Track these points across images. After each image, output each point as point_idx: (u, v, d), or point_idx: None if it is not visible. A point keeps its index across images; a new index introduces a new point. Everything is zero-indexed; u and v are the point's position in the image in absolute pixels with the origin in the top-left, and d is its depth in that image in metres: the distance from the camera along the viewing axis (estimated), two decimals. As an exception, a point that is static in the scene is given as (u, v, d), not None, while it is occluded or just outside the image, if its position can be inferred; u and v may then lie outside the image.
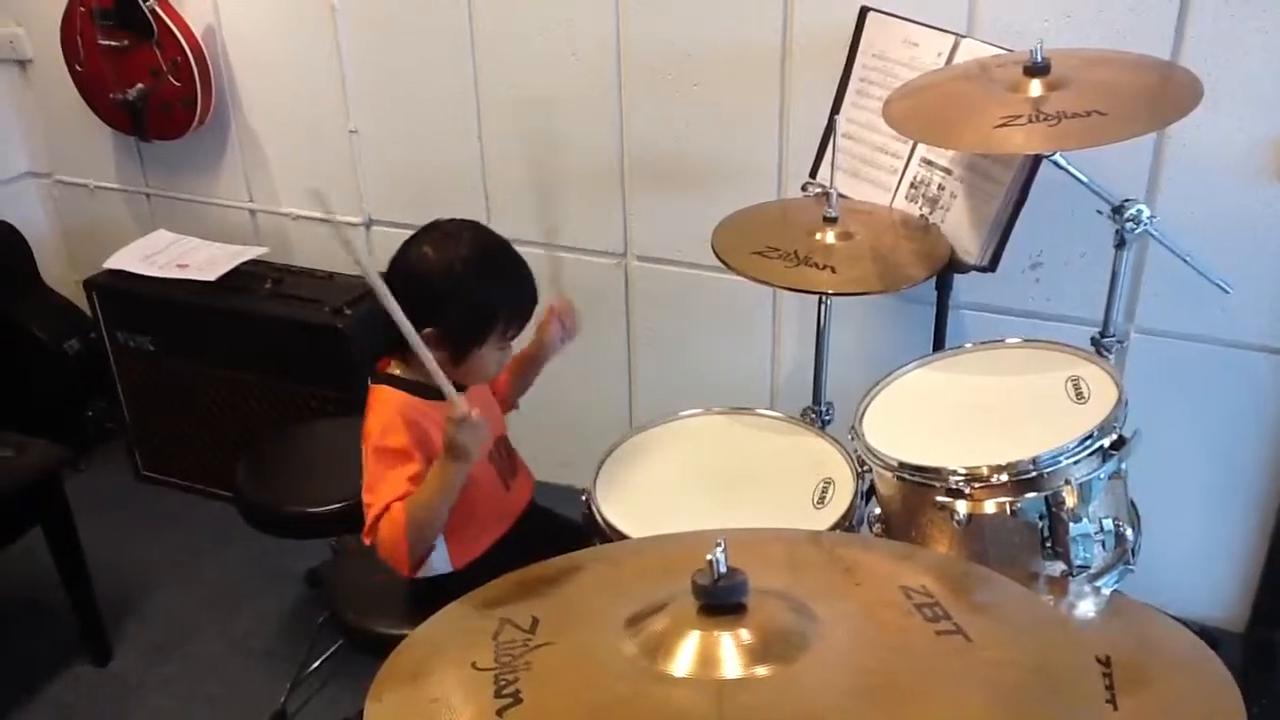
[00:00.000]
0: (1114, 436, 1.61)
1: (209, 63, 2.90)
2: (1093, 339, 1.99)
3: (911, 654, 0.97)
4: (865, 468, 1.76)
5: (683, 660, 0.95)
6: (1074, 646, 1.00)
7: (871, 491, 1.78)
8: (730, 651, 0.95)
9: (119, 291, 2.95)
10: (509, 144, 2.71)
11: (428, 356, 1.55)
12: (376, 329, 1.78)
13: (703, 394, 2.12)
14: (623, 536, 1.69)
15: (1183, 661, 1.33)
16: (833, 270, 1.90)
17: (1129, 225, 1.85)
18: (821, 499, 1.75)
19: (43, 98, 3.28)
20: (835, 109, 2.19)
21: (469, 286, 1.68)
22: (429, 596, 1.52)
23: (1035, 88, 1.77)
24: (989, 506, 1.58)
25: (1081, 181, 1.84)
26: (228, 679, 2.50)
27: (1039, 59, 1.77)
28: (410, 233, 1.76)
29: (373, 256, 2.96)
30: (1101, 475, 1.59)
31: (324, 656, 2.45)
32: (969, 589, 1.11)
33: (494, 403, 1.92)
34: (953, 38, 2.04)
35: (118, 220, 3.33)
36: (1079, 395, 1.71)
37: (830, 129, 2.14)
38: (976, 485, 1.58)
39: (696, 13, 2.39)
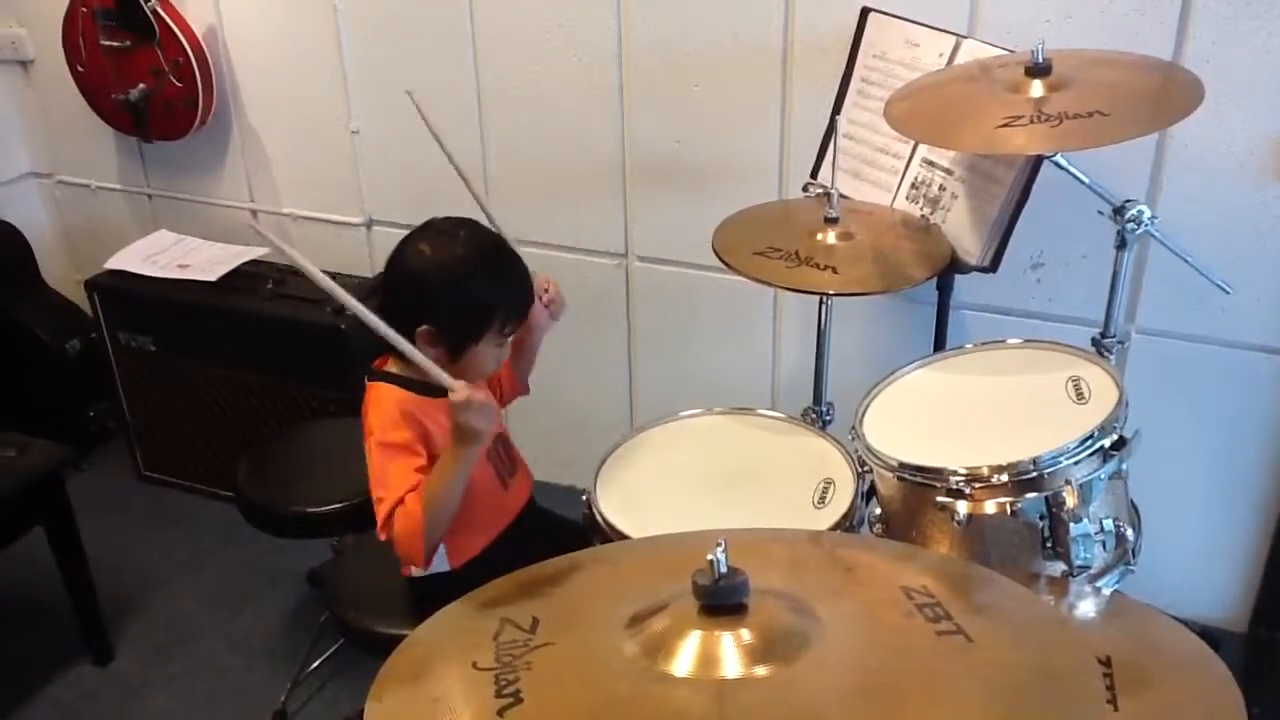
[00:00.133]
0: (1114, 437, 1.61)
1: (210, 63, 2.90)
2: (1093, 339, 1.99)
3: (912, 654, 0.97)
4: (866, 468, 1.76)
5: (683, 660, 0.95)
6: (1074, 647, 1.00)
7: (872, 492, 1.78)
8: (731, 651, 0.95)
9: (120, 292, 2.95)
10: (510, 144, 2.71)
11: (412, 352, 1.59)
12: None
13: (703, 394, 2.12)
14: (623, 536, 1.69)
15: (1183, 662, 1.33)
16: (834, 270, 1.91)
17: (1130, 226, 1.85)
18: (822, 499, 1.75)
19: (44, 98, 3.28)
20: (836, 109, 2.19)
21: (465, 284, 1.68)
22: (429, 596, 1.52)
23: (1036, 88, 1.77)
24: (989, 507, 1.58)
25: (1083, 182, 1.84)
26: (229, 679, 2.50)
27: (1040, 59, 1.77)
28: (410, 233, 1.76)
29: (373, 257, 2.98)
30: (1102, 475, 1.59)
31: (325, 656, 2.45)
32: (970, 589, 1.11)
33: (494, 400, 1.91)
34: (954, 38, 2.04)
35: (119, 220, 3.33)
36: (1079, 396, 1.71)
37: (831, 129, 2.14)
38: (977, 485, 1.58)
39: (698, 13, 2.39)
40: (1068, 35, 2.08)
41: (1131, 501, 1.75)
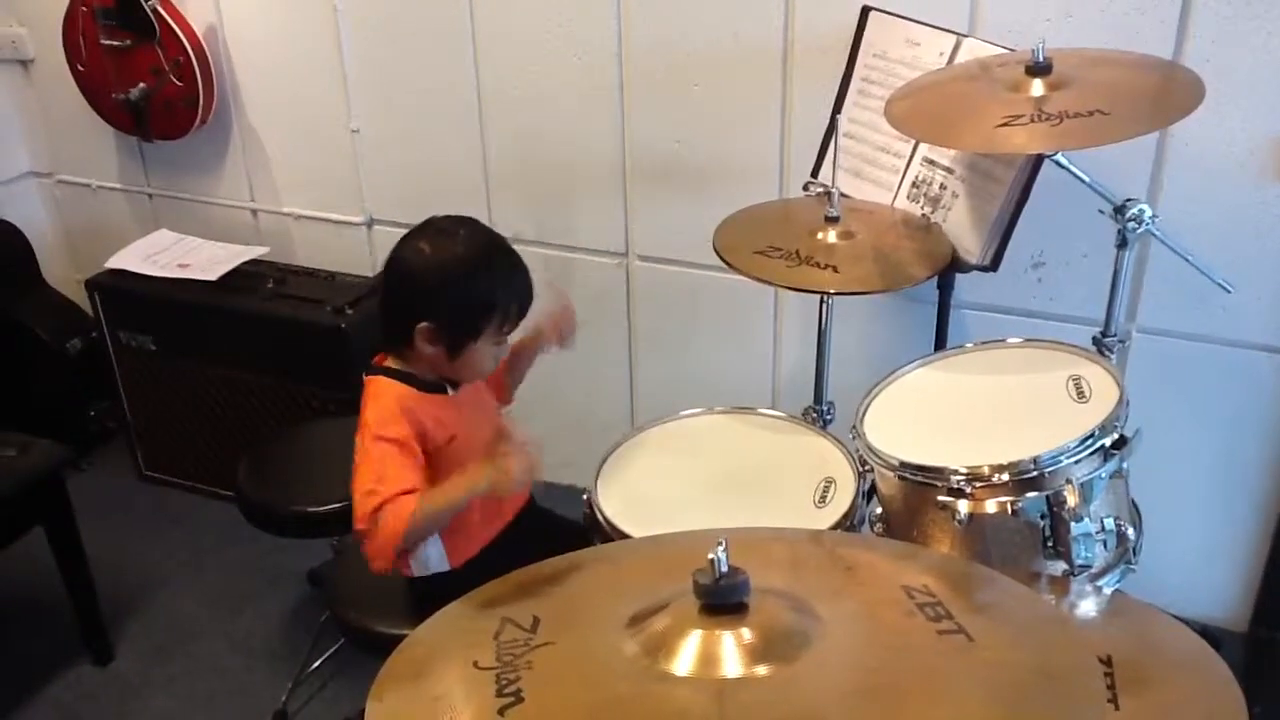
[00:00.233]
0: (1115, 436, 1.61)
1: (211, 62, 2.90)
2: (1094, 338, 1.99)
3: (913, 653, 0.97)
4: (866, 467, 1.76)
5: (684, 659, 0.95)
6: (1075, 646, 1.00)
7: (873, 491, 1.78)
8: (731, 651, 0.95)
9: (121, 291, 2.95)
10: (510, 144, 2.71)
11: None
12: (376, 328, 1.78)
13: (704, 393, 2.12)
14: (623, 536, 1.69)
15: (1184, 661, 1.33)
16: (834, 269, 1.91)
17: (1131, 225, 1.84)
18: (823, 498, 1.75)
19: (45, 98, 3.28)
20: (837, 108, 2.19)
21: (465, 281, 1.69)
22: (429, 596, 1.52)
23: (1037, 87, 1.76)
24: (990, 506, 1.58)
25: (1083, 181, 1.84)
26: (229, 679, 2.50)
27: (1041, 58, 1.77)
28: (410, 232, 1.77)
29: (373, 256, 2.98)
30: (1103, 475, 1.59)
31: (325, 656, 2.45)
32: (970, 588, 1.11)
33: (490, 401, 1.92)
34: (954, 37, 2.04)
35: (119, 220, 3.33)
36: (1080, 395, 1.71)
37: (832, 128, 2.14)
38: (978, 485, 1.58)
39: (698, 13, 2.39)
40: (1068, 34, 2.08)
41: (1132, 500, 1.75)
